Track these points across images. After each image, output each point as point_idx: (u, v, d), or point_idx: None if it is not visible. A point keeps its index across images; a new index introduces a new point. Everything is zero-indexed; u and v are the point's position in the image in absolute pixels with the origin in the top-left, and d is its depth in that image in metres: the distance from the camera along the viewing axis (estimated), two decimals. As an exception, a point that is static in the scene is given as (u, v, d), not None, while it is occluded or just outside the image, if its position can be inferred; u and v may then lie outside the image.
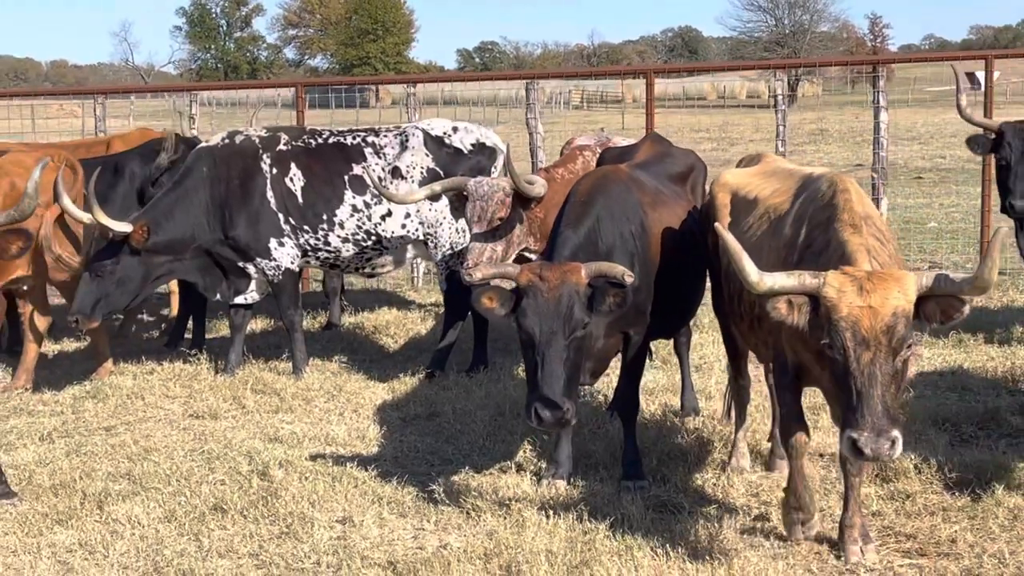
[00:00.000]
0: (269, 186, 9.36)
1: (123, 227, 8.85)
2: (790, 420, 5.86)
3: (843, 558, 5.71)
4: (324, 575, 5.72)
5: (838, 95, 45.97)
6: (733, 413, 7.28)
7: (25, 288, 9.37)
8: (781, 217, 6.03)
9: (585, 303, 5.96)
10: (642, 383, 8.58)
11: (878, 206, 12.05)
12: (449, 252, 9.56)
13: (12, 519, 6.41)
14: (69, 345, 10.93)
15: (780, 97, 12.64)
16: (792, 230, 5.80)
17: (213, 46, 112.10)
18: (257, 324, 11.36)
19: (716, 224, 5.25)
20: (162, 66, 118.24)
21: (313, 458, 7.32)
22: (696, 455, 7.26)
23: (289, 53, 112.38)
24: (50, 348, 10.59)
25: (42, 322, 9.49)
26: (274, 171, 9.39)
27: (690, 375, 8.31)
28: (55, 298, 9.96)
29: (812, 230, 5.60)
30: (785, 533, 5.97)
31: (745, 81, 63.41)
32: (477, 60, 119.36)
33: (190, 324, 10.76)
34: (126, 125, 38.66)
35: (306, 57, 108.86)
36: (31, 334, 9.48)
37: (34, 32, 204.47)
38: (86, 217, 8.82)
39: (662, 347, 9.45)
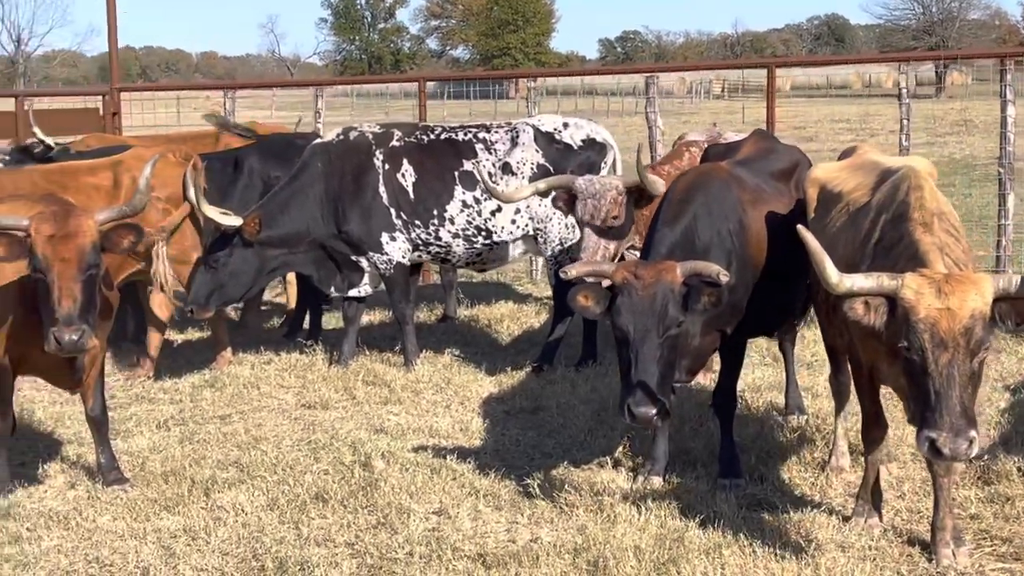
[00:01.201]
0: (381, 181, 9.52)
1: (232, 220, 9.10)
2: (867, 417, 5.90)
3: (934, 560, 5.65)
4: (416, 566, 5.81)
5: (986, 84, 44.68)
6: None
7: (150, 281, 9.67)
8: (859, 211, 6.01)
9: (680, 302, 5.97)
10: (749, 380, 8.64)
11: (1004, 203, 11.77)
12: (558, 247, 9.62)
13: (122, 504, 6.64)
14: (192, 335, 11.24)
15: (904, 91, 12.39)
16: (867, 225, 5.78)
17: (357, 37, 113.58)
18: (374, 316, 11.54)
19: (798, 226, 5.23)
20: (307, 57, 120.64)
21: (415, 449, 7.45)
22: (796, 454, 7.22)
23: (431, 44, 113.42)
24: (174, 337, 10.91)
25: (165, 312, 9.80)
26: (386, 167, 9.55)
27: (795, 373, 8.24)
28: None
29: (884, 225, 5.57)
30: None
31: (891, 70, 62.13)
32: (619, 50, 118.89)
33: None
34: (269, 116, 39.58)
35: (448, 48, 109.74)
36: (154, 323, 9.80)
37: (185, 25, 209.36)
38: (213, 212, 9.08)
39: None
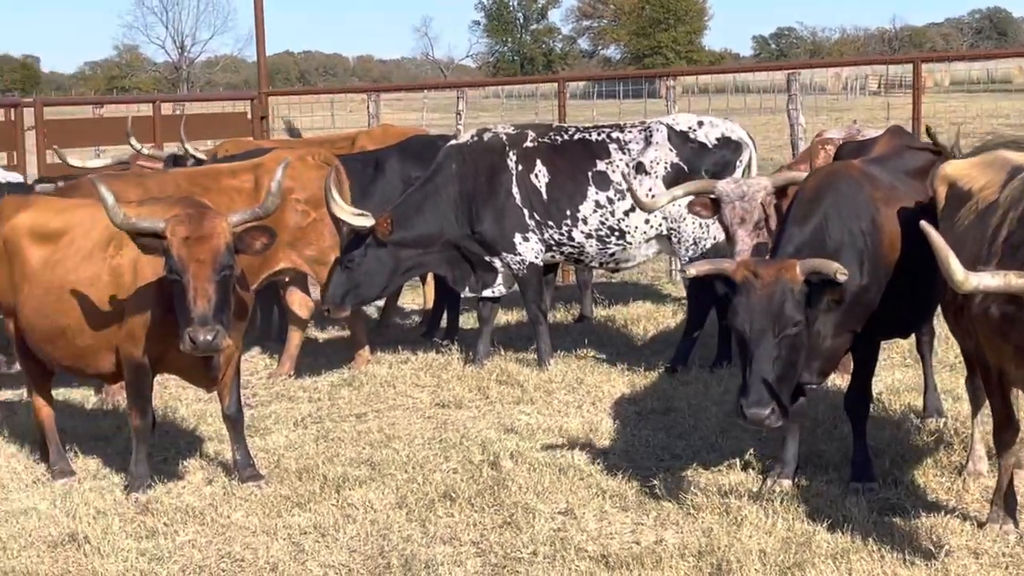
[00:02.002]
0: (515, 182, 9.56)
1: (363, 220, 9.23)
2: (998, 420, 5.76)
3: (1072, 570, 5.47)
4: (539, 565, 5.83)
5: None
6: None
7: (287, 279, 9.88)
8: (987, 208, 5.83)
9: (799, 301, 5.88)
10: (888, 382, 8.47)
11: None
12: (692, 247, 9.55)
13: (256, 501, 6.78)
14: (331, 334, 11.43)
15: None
16: (994, 222, 5.60)
17: (509, 39, 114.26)
18: (511, 316, 11.59)
19: (922, 222, 5.09)
20: (461, 60, 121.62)
21: (544, 449, 7.47)
22: (932, 458, 7.05)
23: (583, 44, 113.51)
24: (314, 336, 11.11)
25: (305, 311, 9.99)
26: (520, 167, 9.59)
27: (933, 375, 8.04)
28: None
29: (1012, 223, 5.40)
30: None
31: (1056, 62, 60.01)
32: (773, 46, 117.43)
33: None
34: (420, 119, 40.05)
35: (599, 48, 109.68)
36: (294, 323, 9.99)
37: (342, 29, 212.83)
38: (345, 213, 9.21)
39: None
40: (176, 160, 11.36)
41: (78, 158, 11.76)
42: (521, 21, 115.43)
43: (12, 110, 12.12)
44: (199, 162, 11.10)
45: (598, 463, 7.20)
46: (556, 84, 14.57)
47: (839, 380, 8.18)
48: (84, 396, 9.31)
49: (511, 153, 9.62)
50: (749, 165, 9.63)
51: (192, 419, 8.53)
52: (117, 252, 6.73)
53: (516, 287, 9.85)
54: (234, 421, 7.13)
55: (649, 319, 11.22)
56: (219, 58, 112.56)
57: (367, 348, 10.07)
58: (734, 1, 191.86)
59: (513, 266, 9.63)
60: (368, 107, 14.83)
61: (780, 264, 5.98)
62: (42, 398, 7.53)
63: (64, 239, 6.91)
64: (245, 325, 7.12)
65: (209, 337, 6.18)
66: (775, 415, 5.80)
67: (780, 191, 7.68)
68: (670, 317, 11.30)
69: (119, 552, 6.12)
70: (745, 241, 7.58)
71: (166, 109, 14.15)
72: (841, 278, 5.84)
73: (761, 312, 5.83)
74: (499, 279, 9.74)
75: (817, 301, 5.90)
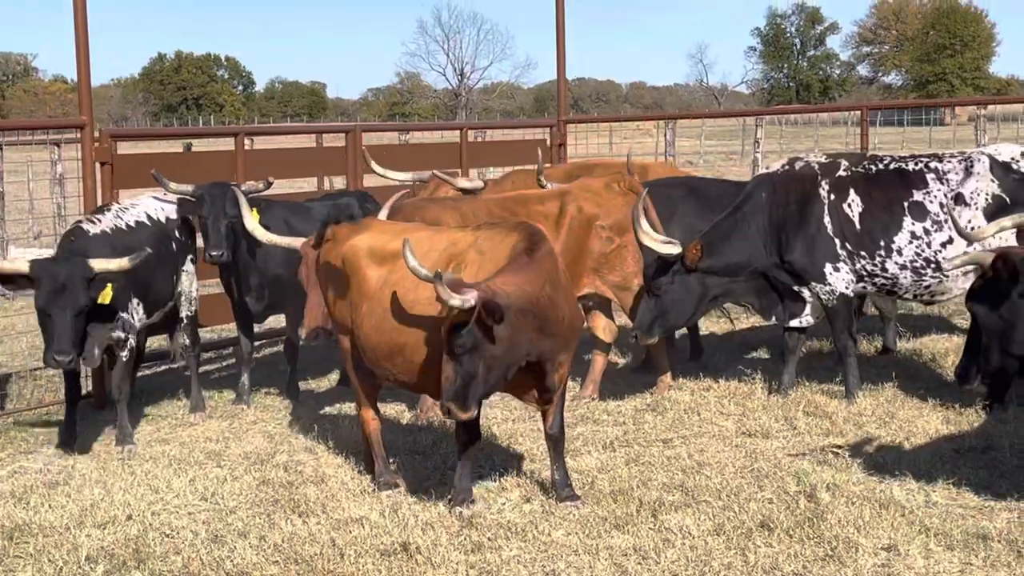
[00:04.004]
0: (827, 211, 9.46)
1: (669, 248, 9.29)
2: None
3: None
4: (868, 600, 5.78)
5: None
6: None
7: (591, 303, 10.03)
8: None
9: None
10: None
11: None
12: (1012, 282, 9.22)
13: (575, 521, 6.91)
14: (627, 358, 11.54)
15: None
16: None
17: (786, 65, 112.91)
18: (815, 346, 11.45)
19: None
20: (735, 86, 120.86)
21: (861, 483, 7.37)
22: None
23: (862, 70, 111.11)
24: (613, 360, 11.22)
25: (608, 336, 10.13)
26: (832, 196, 9.49)
27: None
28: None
29: None
30: None
31: None
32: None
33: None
34: (698, 144, 39.94)
35: (879, 74, 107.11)
36: (598, 347, 10.14)
37: (615, 55, 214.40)
38: (653, 241, 9.29)
39: None
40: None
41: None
42: (798, 47, 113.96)
43: (345, 135, 12.80)
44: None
45: (919, 499, 7.08)
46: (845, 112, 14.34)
47: None
48: (398, 412, 9.67)
49: (823, 182, 9.53)
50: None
51: (504, 438, 8.76)
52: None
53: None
54: (556, 441, 7.29)
55: (958, 354, 10.75)
56: (495, 85, 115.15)
57: (669, 374, 10.13)
58: (1022, 26, 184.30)
59: (823, 296, 9.53)
60: (665, 134, 14.93)
61: None
62: (371, 412, 7.87)
63: (402, 260, 7.21)
64: (576, 345, 7.25)
65: None
66: None
67: None
68: (979, 353, 10.92)
69: (448, 564, 6.34)
70: None
71: (467, 136, 14.52)
72: None
73: None
74: (807, 309, 9.65)
75: None
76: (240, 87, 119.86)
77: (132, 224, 9.37)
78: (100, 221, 9.13)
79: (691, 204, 10.72)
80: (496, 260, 6.79)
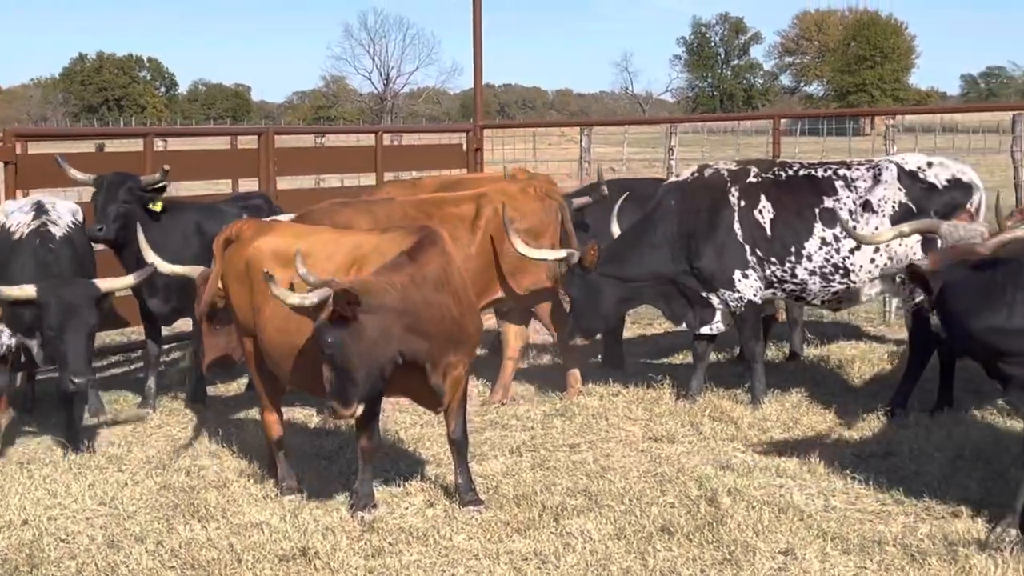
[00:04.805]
0: (737, 218, 9.52)
1: (557, 254, 9.40)
2: None
3: None
4: (762, 604, 5.82)
5: None
6: None
7: (505, 308, 10.03)
8: None
9: None
10: None
11: None
12: (917, 289, 9.34)
13: (477, 525, 6.89)
14: (543, 362, 11.54)
15: None
16: None
17: (710, 74, 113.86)
18: (721, 353, 11.53)
19: None
20: (660, 94, 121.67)
21: (762, 487, 7.42)
22: None
23: (784, 80, 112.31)
24: (523, 365, 11.19)
25: (520, 341, 10.13)
26: (742, 203, 9.55)
27: None
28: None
29: None
30: None
31: None
32: (982, 86, 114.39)
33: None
34: (620, 152, 40.12)
35: (801, 84, 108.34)
36: (509, 351, 10.13)
37: (542, 63, 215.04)
38: (525, 249, 9.31)
39: None
40: None
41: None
42: (722, 56, 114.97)
43: (258, 137, 12.65)
44: None
45: (818, 503, 7.15)
46: (766, 120, 14.47)
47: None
48: (305, 416, 9.60)
49: (733, 189, 9.59)
50: (978, 209, 9.39)
51: (411, 443, 8.72)
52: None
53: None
54: (458, 445, 7.27)
55: (864, 360, 11.02)
56: (422, 90, 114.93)
57: (579, 380, 10.14)
58: (942, 40, 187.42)
59: (731, 303, 9.59)
60: (581, 141, 14.96)
61: None
62: (273, 416, 7.81)
63: (307, 262, 7.15)
64: (475, 351, 7.24)
65: None
66: None
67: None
68: (885, 360, 11.07)
69: (347, 569, 6.30)
70: None
71: (382, 139, 14.45)
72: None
73: None
74: (717, 316, 9.70)
75: None
76: (163, 89, 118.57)
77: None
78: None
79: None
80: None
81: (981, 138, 39.26)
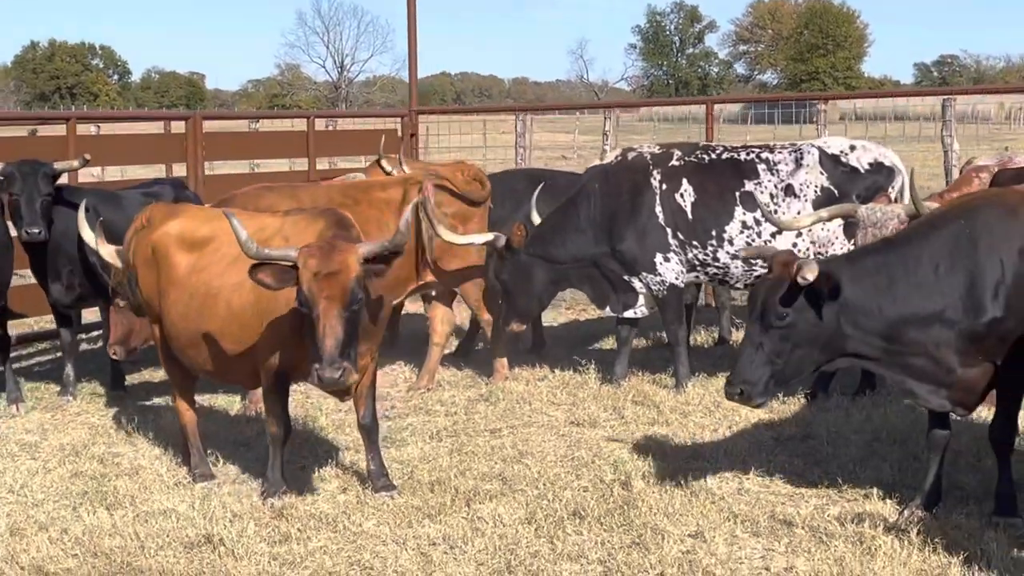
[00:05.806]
0: (658, 201, 9.50)
1: (484, 237, 9.45)
2: None
3: None
4: (666, 587, 5.79)
5: None
6: None
7: (433, 294, 9.98)
8: None
9: None
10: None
11: None
12: (839, 272, 9.35)
13: (387, 511, 6.85)
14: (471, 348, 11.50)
15: None
16: None
17: (665, 62, 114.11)
18: (649, 338, 11.52)
19: None
20: (615, 83, 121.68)
21: (676, 471, 7.40)
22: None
23: (739, 68, 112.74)
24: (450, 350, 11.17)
25: (447, 326, 10.08)
26: (664, 187, 9.53)
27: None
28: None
29: None
30: None
31: None
32: (935, 74, 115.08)
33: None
34: (572, 140, 40.08)
35: (756, 72, 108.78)
36: (435, 337, 10.07)
37: (499, 51, 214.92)
38: (449, 235, 9.29)
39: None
40: None
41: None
42: (677, 45, 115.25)
43: (185, 122, 12.46)
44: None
45: (731, 487, 7.15)
46: (723, 108, 14.47)
47: (984, 411, 7.95)
48: (228, 402, 9.51)
49: (655, 172, 9.56)
50: (901, 192, 9.40)
51: (331, 429, 8.66)
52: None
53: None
54: (369, 431, 7.21)
55: (791, 344, 11.01)
56: (377, 78, 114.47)
57: (506, 365, 10.11)
58: (896, 28, 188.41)
59: (653, 287, 9.57)
60: (516, 127, 14.93)
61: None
62: (186, 403, 7.72)
63: (210, 246, 7.06)
64: (380, 339, 7.18)
65: (335, 375, 6.19)
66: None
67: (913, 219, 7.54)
68: (813, 343, 11.06)
69: (252, 555, 6.24)
70: None
71: (319, 125, 14.35)
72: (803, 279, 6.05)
73: None
74: (640, 300, 9.69)
75: None
76: (116, 77, 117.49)
77: None
78: None
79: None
80: (300, 245, 6.67)
81: (932, 125, 39.59)
